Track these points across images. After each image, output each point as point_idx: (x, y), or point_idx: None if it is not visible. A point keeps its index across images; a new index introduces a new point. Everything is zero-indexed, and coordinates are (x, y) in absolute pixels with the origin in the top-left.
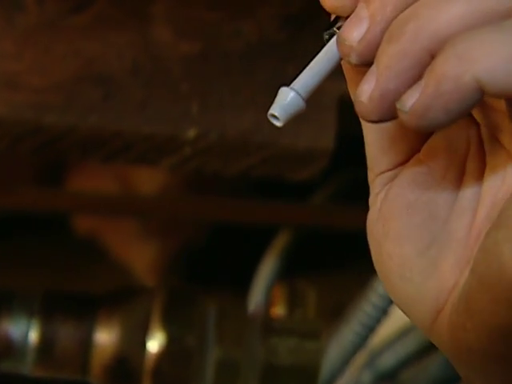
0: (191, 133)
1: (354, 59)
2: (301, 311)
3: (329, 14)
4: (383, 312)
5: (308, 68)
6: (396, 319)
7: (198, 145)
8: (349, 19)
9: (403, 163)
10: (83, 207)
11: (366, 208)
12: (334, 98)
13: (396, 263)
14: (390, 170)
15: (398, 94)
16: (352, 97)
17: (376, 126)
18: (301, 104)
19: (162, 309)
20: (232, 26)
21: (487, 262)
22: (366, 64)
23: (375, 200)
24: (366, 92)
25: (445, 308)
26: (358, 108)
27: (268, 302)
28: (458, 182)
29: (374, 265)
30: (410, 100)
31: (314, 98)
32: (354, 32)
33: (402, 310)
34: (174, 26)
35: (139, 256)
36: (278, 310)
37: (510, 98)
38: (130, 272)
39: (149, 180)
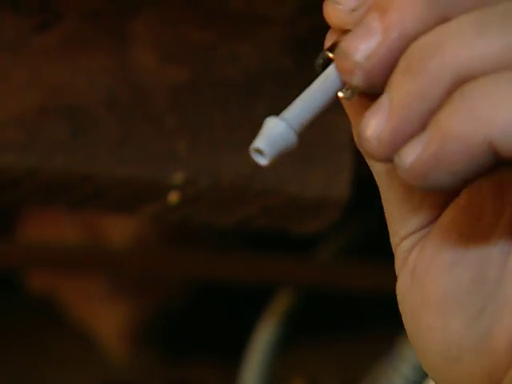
0: (178, 177)
1: (358, 79)
2: None
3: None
4: None
5: (302, 96)
6: None
7: (186, 191)
8: (354, 30)
9: (439, 216)
10: (39, 261)
11: (382, 264)
12: (349, 136)
13: (439, 338)
14: (421, 229)
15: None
16: (354, 130)
17: (397, 180)
18: (292, 139)
19: None
20: (227, 49)
21: None
22: (371, 88)
23: (405, 264)
24: (373, 129)
25: None
26: (364, 146)
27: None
28: None
29: (410, 340)
30: (411, 156)
31: (325, 136)
32: (362, 45)
33: None
34: (157, 49)
35: (106, 320)
36: None
37: None
38: (94, 339)
39: (121, 229)
